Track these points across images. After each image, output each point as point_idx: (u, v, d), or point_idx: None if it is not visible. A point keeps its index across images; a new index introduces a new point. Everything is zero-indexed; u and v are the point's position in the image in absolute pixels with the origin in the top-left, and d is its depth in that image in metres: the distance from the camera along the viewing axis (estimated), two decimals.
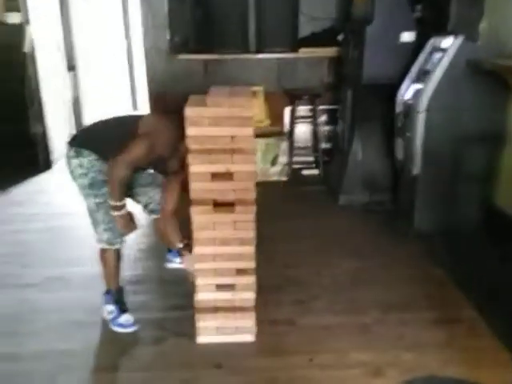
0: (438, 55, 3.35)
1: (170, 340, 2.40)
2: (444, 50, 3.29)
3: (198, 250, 2.21)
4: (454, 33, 3.23)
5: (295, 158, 4.83)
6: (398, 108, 3.60)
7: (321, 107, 4.85)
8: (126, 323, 2.47)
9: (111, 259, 2.49)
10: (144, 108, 7.98)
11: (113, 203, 2.32)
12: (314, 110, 4.82)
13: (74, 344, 2.40)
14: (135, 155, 2.23)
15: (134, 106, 8.43)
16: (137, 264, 3.15)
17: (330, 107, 4.93)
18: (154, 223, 2.93)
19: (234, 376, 2.16)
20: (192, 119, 1.98)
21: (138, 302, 2.68)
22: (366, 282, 2.90)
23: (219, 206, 2.14)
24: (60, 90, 5.40)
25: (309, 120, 4.95)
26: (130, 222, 2.43)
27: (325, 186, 4.56)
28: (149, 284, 2.95)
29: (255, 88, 4.77)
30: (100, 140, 2.38)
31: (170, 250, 3.06)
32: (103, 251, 2.49)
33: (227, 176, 2.09)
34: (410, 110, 3.41)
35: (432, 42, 3.50)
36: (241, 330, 2.35)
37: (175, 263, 3.05)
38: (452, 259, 3.09)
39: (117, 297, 2.54)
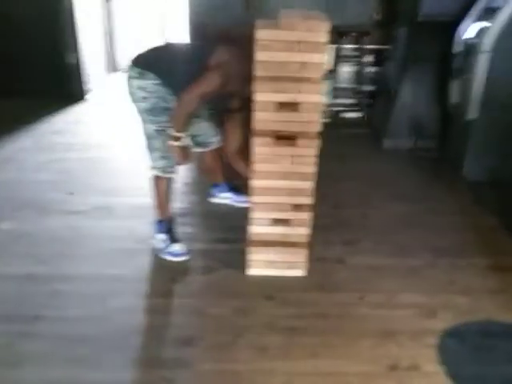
0: None
1: (220, 271, 2.41)
2: None
3: (255, 183, 2.16)
4: None
5: (336, 100, 4.68)
6: (457, 48, 3.41)
7: (367, 47, 4.62)
8: (177, 252, 2.48)
9: (164, 188, 2.47)
10: (179, 39, 7.80)
11: (174, 133, 2.26)
12: (360, 49, 4.61)
13: (124, 270, 2.42)
14: (208, 87, 2.16)
15: (166, 38, 8.22)
16: (182, 197, 3.14)
17: (377, 47, 4.69)
18: (201, 157, 2.88)
19: (286, 308, 2.16)
20: (263, 43, 1.87)
21: (184, 233, 2.67)
22: (415, 226, 2.85)
23: (281, 138, 2.07)
24: (96, 21, 5.24)
25: (353, 60, 4.74)
26: (186, 154, 2.39)
27: (367, 129, 4.44)
28: (194, 217, 2.94)
29: None
30: (167, 65, 2.30)
31: (214, 185, 3.03)
32: (156, 179, 2.46)
33: (292, 106, 2.00)
34: (471, 49, 3.23)
35: None
36: (292, 265, 2.34)
37: (219, 198, 3.03)
38: (505, 209, 3.01)
39: (169, 226, 2.53)
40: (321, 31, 1.86)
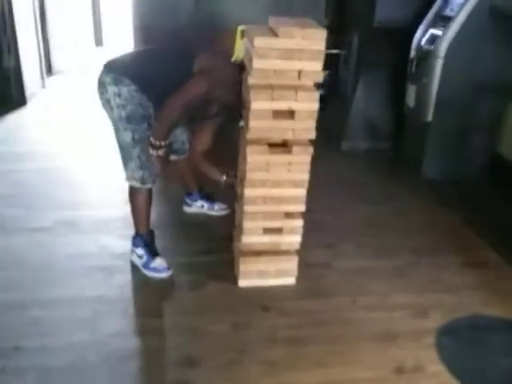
0: (459, 0, 3.29)
1: (208, 284, 2.32)
2: None
3: (248, 192, 2.10)
4: None
5: None
6: (412, 53, 3.55)
7: None
8: (159, 267, 2.36)
9: (142, 199, 2.35)
10: (116, 43, 7.56)
11: (156, 142, 2.15)
12: None
13: (105, 290, 2.26)
14: (194, 95, 2.08)
15: (98, 42, 7.91)
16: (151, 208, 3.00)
17: (326, 51, 4.76)
18: (174, 164, 2.77)
19: (285, 318, 2.13)
20: (260, 51, 1.83)
21: (160, 246, 2.52)
22: (386, 227, 2.92)
23: (276, 146, 2.04)
24: (30, 23, 4.90)
25: None
26: (166, 163, 2.28)
27: (320, 131, 4.49)
28: (168, 228, 2.81)
29: (241, 27, 4.53)
30: (144, 71, 2.19)
31: (188, 194, 2.93)
32: (134, 190, 2.33)
33: (288, 114, 1.98)
34: (426, 55, 3.37)
35: None
36: (282, 274, 2.31)
37: (194, 207, 2.94)
38: (465, 206, 3.18)
39: (148, 240, 2.41)
40: (319, 39, 1.85)
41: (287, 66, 1.87)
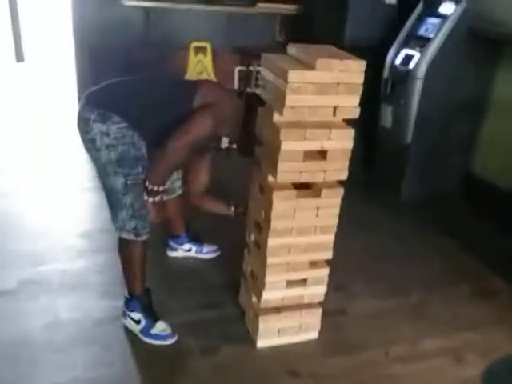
0: (435, 20, 3.25)
1: (222, 348, 2.02)
2: (443, 16, 3.20)
3: (272, 241, 1.84)
4: None
5: None
6: (386, 74, 3.47)
7: None
8: (163, 333, 2.02)
9: (137, 254, 2.00)
10: (42, 59, 6.95)
11: (154, 188, 1.86)
12: None
13: (102, 370, 1.89)
14: (199, 134, 1.84)
15: (19, 57, 7.21)
16: None
17: None
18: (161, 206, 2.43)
19: (320, 383, 1.88)
20: (295, 86, 1.58)
21: (156, 303, 2.15)
22: (388, 258, 2.78)
23: (303, 188, 1.80)
24: None
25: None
26: (162, 209, 1.98)
27: None
28: (156, 280, 2.40)
29: (202, 44, 4.28)
30: (135, 106, 1.89)
31: (173, 237, 2.60)
32: (126, 244, 1.98)
33: (319, 155, 1.75)
34: (403, 76, 3.29)
35: (421, 6, 3.40)
36: (305, 328, 2.06)
37: (180, 251, 2.61)
38: (449, 228, 3.12)
39: (145, 302, 2.06)
40: (357, 71, 1.64)
41: (322, 101, 1.65)
